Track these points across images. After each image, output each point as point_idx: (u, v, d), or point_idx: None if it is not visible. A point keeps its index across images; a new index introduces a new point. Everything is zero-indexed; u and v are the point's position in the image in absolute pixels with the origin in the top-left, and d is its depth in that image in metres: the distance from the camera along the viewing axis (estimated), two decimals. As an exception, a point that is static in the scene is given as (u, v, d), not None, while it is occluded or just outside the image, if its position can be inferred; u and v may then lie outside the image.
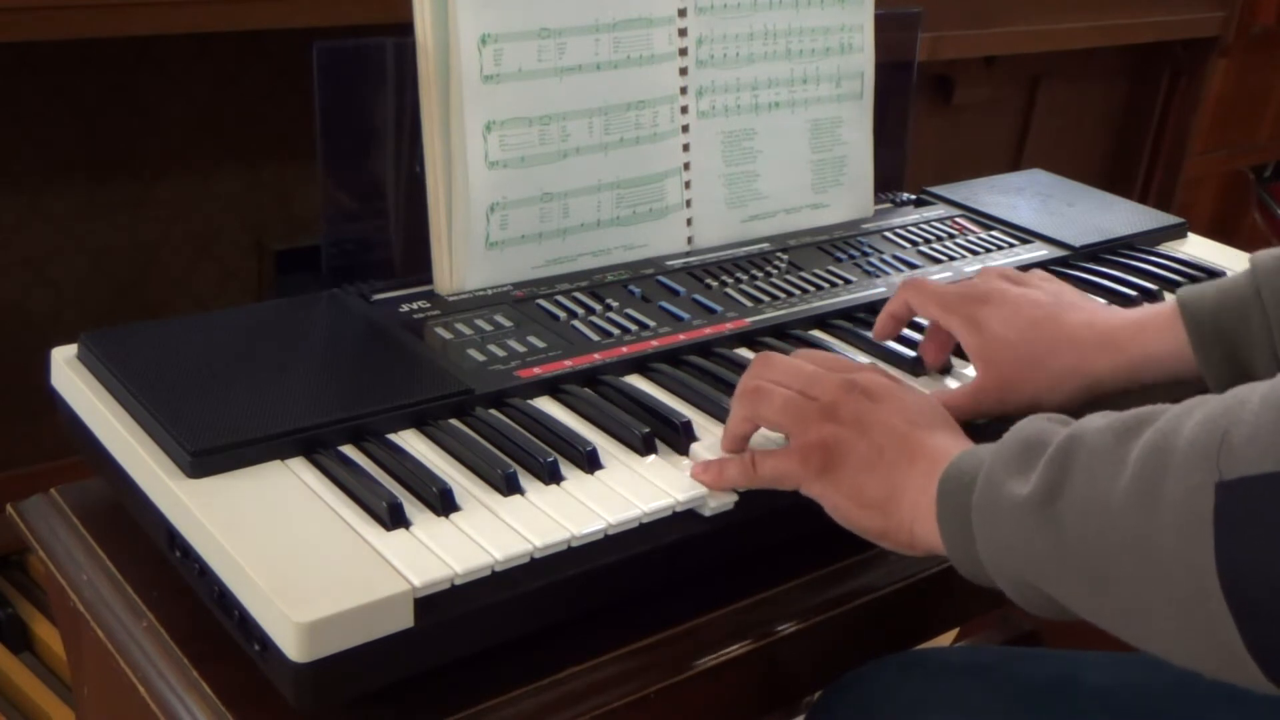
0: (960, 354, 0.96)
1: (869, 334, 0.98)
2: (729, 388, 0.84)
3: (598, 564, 0.71)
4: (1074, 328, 0.86)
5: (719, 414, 0.83)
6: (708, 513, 0.76)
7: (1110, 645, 0.83)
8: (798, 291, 1.03)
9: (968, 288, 0.91)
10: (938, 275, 1.09)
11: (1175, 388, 0.83)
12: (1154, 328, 0.86)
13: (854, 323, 1.01)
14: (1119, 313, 0.90)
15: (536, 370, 0.86)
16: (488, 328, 0.91)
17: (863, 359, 0.94)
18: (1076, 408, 0.83)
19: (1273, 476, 0.54)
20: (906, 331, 0.97)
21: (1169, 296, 1.11)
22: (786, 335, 0.97)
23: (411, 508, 0.71)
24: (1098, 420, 0.63)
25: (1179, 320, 0.85)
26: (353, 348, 0.87)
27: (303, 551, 0.67)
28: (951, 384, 0.93)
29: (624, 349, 0.90)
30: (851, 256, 1.11)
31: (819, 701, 0.83)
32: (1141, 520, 0.58)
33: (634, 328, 0.93)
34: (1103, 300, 1.07)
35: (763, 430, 0.80)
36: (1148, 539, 0.57)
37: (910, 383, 0.92)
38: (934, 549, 0.70)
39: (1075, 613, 0.64)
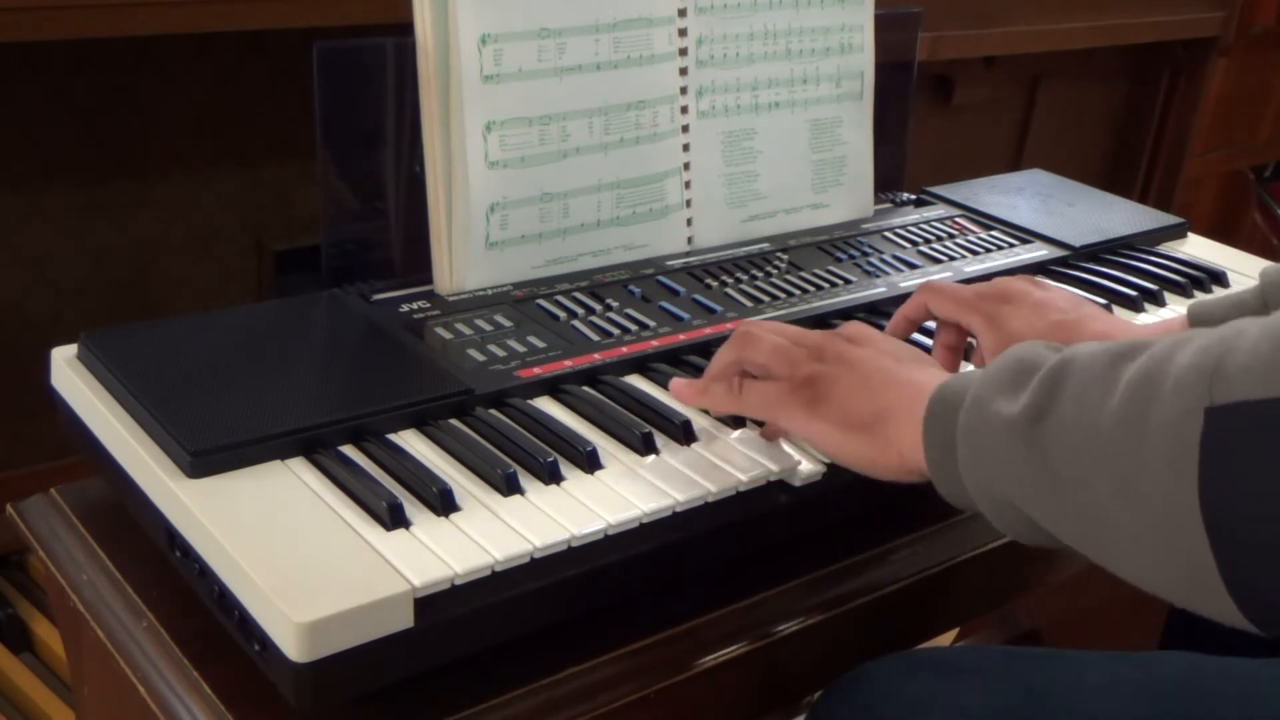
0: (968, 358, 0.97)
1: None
2: (729, 388, 0.85)
3: (598, 564, 0.71)
4: (1091, 334, 0.88)
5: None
6: (711, 499, 0.76)
7: (1111, 645, 0.83)
8: (798, 291, 1.03)
9: (988, 288, 0.91)
10: (938, 275, 1.09)
11: None
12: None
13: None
14: (1135, 325, 0.91)
15: (536, 370, 0.86)
16: (488, 328, 0.91)
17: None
18: None
19: (1265, 403, 0.53)
20: (916, 335, 0.97)
21: (1169, 299, 1.11)
22: (786, 335, 0.97)
23: (411, 508, 0.71)
24: (1092, 345, 0.63)
25: (1188, 329, 0.86)
26: (353, 348, 0.87)
27: (303, 551, 0.67)
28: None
29: (624, 349, 0.90)
30: (851, 256, 1.11)
31: (819, 701, 0.83)
32: (1128, 442, 0.57)
33: (634, 328, 0.93)
34: (1103, 301, 1.07)
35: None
36: (1133, 461, 0.57)
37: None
38: (921, 471, 0.70)
39: (1052, 535, 0.63)
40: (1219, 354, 0.56)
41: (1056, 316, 0.88)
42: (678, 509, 0.75)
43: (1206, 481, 0.54)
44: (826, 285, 1.05)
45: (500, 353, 0.87)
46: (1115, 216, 1.28)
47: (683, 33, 1.05)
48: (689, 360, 0.92)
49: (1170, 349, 0.58)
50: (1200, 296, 0.89)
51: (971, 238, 1.19)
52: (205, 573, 0.69)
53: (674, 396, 0.77)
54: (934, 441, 0.68)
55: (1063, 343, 0.85)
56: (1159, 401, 0.56)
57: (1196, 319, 0.87)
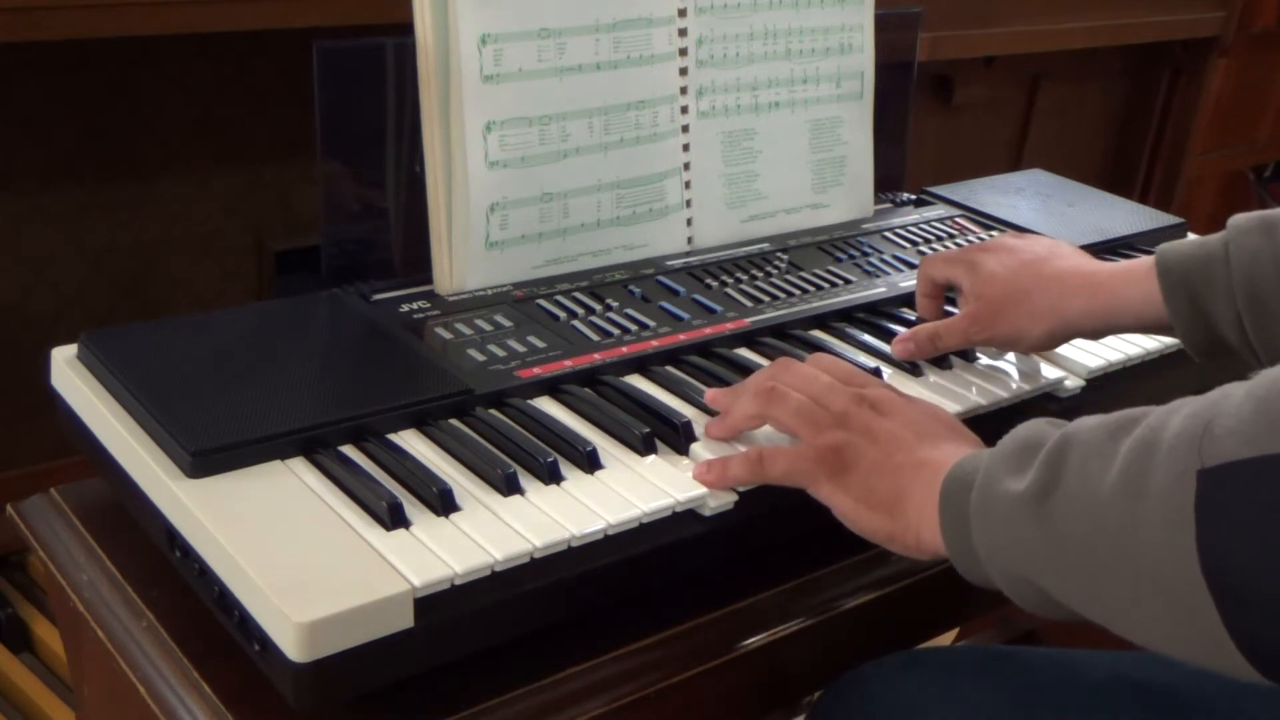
0: (962, 355, 0.97)
1: (867, 336, 0.98)
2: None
3: (598, 564, 0.71)
4: (1059, 271, 0.94)
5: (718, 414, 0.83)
6: (707, 513, 0.76)
7: (1109, 644, 0.83)
8: (798, 291, 1.03)
9: (974, 244, 1.01)
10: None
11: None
12: (1130, 275, 0.92)
13: (854, 323, 1.01)
14: (1103, 263, 0.96)
15: (536, 370, 0.86)
16: (488, 328, 0.91)
17: (864, 360, 0.94)
18: (1053, 344, 0.94)
19: (1251, 461, 0.55)
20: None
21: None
22: (786, 335, 0.97)
23: (411, 508, 0.71)
24: (1091, 420, 0.65)
25: (1154, 270, 0.90)
26: (353, 348, 0.87)
27: (303, 551, 0.67)
28: (949, 384, 0.93)
29: (624, 349, 0.90)
30: (851, 256, 1.11)
31: (819, 701, 0.83)
32: (1129, 511, 0.59)
33: (634, 328, 0.93)
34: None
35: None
36: (1134, 529, 0.59)
37: (910, 384, 0.92)
38: (937, 550, 0.72)
39: (1069, 607, 0.65)
40: (1207, 419, 0.58)
41: (1026, 257, 0.95)
42: (677, 509, 0.75)
43: (1204, 541, 0.56)
44: (826, 285, 1.05)
45: (500, 353, 0.87)
46: (1115, 216, 1.28)
47: (683, 33, 1.05)
48: (689, 360, 0.92)
49: (1164, 418, 0.60)
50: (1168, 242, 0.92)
51: (971, 238, 1.19)
52: (205, 573, 0.69)
53: (698, 482, 0.77)
54: (949, 522, 0.70)
55: (1030, 275, 0.93)
56: (1154, 469, 0.58)
57: (1161, 256, 0.90)
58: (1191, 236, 0.93)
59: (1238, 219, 0.88)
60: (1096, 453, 0.62)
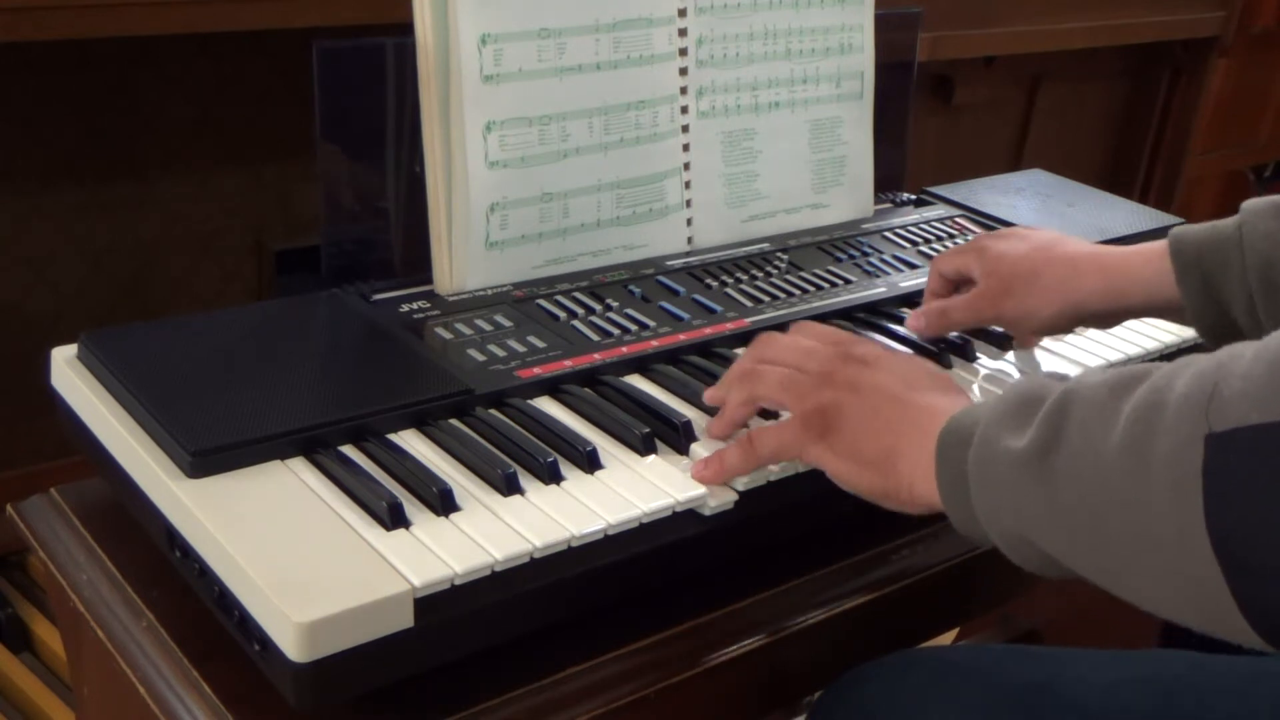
0: (962, 355, 0.97)
1: (868, 335, 0.98)
2: (729, 388, 0.85)
3: (598, 564, 0.71)
4: (1070, 253, 0.94)
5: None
6: (708, 513, 0.76)
7: (1111, 645, 0.83)
8: (798, 291, 1.03)
9: (984, 233, 1.03)
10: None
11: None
12: (1143, 256, 0.92)
13: (854, 323, 1.01)
14: (1114, 247, 0.96)
15: (536, 370, 0.86)
16: (488, 328, 0.91)
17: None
18: (1063, 325, 0.94)
19: (1262, 427, 0.54)
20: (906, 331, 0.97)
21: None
22: (786, 335, 0.97)
23: (411, 508, 0.71)
24: (1093, 376, 0.64)
25: (1167, 250, 0.90)
26: (353, 348, 0.87)
27: (303, 551, 0.67)
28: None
29: (624, 349, 0.90)
30: (851, 256, 1.11)
31: (819, 701, 0.83)
32: (1133, 474, 0.58)
33: (634, 328, 0.93)
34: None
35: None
36: (1139, 493, 0.58)
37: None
38: (933, 505, 0.71)
39: (1068, 567, 0.64)
40: (1215, 380, 0.57)
41: (1037, 239, 0.96)
42: (677, 509, 0.75)
43: (1212, 508, 0.55)
44: (826, 285, 1.05)
45: (500, 353, 0.87)
46: (1115, 216, 1.28)
47: (683, 33, 1.05)
48: (689, 360, 0.92)
49: (1168, 377, 0.59)
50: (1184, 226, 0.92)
51: (971, 238, 1.19)
52: (205, 573, 0.69)
53: (698, 481, 0.77)
54: (946, 479, 0.69)
55: (1041, 255, 0.93)
56: (1160, 432, 0.57)
57: (1174, 237, 0.90)
58: (1204, 223, 0.93)
59: (1252, 203, 0.88)
60: (1099, 412, 0.61)
